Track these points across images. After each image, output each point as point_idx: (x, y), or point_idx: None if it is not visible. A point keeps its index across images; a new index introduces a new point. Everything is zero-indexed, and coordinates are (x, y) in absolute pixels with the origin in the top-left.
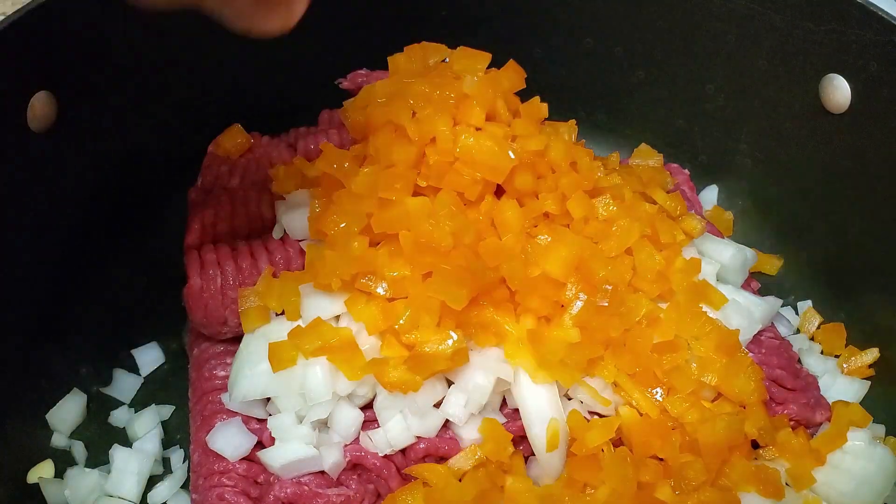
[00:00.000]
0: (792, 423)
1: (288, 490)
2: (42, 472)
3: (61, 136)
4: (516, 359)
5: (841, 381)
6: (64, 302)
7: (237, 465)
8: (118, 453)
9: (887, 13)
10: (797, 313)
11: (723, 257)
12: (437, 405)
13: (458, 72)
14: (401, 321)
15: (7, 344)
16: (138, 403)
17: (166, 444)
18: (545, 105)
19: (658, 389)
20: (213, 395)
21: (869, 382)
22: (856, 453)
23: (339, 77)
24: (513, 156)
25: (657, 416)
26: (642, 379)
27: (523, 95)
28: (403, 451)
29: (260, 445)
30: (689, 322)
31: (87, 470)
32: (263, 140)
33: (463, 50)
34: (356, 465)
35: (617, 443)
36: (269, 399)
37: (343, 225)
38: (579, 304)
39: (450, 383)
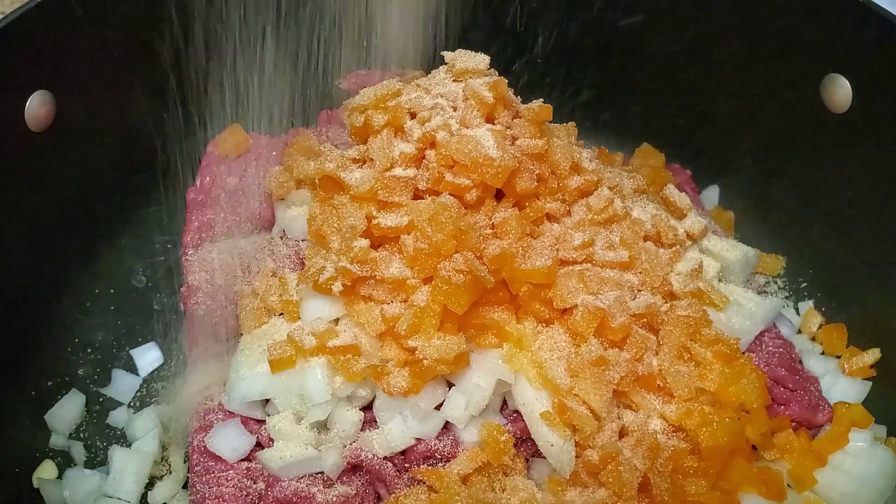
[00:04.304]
0: (793, 424)
1: (287, 491)
2: (44, 473)
3: (60, 134)
4: (515, 364)
5: (842, 381)
6: (62, 301)
7: (236, 466)
8: (117, 454)
9: (888, 13)
10: (798, 314)
11: (724, 257)
12: (438, 407)
13: (458, 74)
14: (403, 327)
15: (5, 343)
16: (137, 404)
17: (165, 444)
18: (549, 107)
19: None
20: (211, 396)
21: (870, 383)
22: (857, 454)
23: (338, 77)
24: (511, 160)
25: (658, 419)
26: (643, 383)
27: (525, 96)
28: (403, 452)
29: (259, 446)
30: (690, 326)
31: (87, 471)
32: (262, 140)
33: (463, 51)
34: (356, 467)
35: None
36: (267, 400)
37: (343, 227)
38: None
39: (450, 385)
